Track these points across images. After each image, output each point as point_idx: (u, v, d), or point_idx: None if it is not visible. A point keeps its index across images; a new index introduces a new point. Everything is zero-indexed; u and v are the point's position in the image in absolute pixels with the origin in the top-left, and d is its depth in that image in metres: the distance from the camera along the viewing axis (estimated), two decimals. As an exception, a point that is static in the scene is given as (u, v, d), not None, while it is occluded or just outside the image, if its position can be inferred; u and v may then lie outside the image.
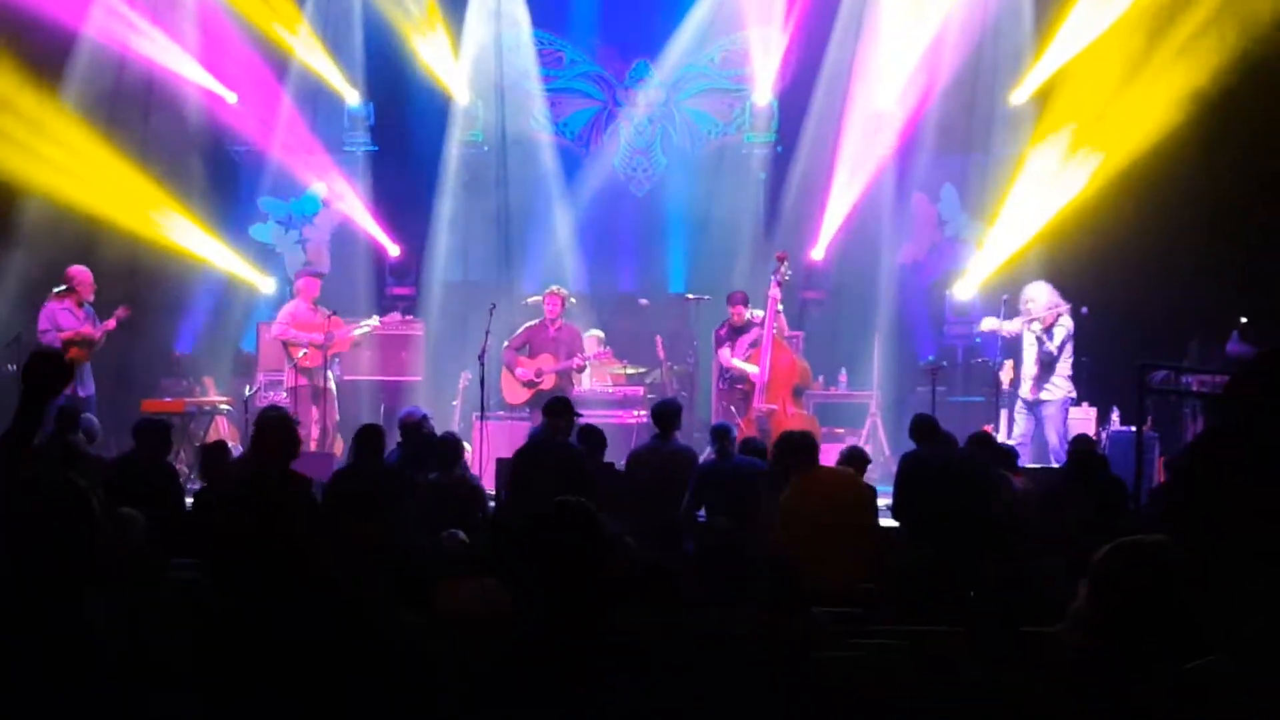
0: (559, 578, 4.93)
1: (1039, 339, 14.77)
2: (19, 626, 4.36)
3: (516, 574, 6.92)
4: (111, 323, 15.22)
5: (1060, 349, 14.81)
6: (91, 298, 15.22)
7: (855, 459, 11.00)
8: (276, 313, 16.99)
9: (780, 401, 15.07)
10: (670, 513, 10.59)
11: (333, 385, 16.14)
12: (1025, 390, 15.00)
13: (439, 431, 12.05)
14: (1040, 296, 14.98)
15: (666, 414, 11.72)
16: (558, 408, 11.47)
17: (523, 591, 6.28)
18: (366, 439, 10.69)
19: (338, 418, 15.89)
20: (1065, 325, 14.88)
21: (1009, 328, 15.15)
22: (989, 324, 15.44)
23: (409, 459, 11.36)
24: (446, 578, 7.18)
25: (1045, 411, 14.88)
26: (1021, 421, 15.01)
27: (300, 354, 15.78)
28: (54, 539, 4.49)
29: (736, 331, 15.52)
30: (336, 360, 16.30)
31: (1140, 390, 13.13)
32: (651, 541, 8.25)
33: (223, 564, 5.02)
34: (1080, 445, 11.70)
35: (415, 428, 11.86)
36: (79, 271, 15.17)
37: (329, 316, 16.01)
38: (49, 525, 4.50)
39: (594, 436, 11.54)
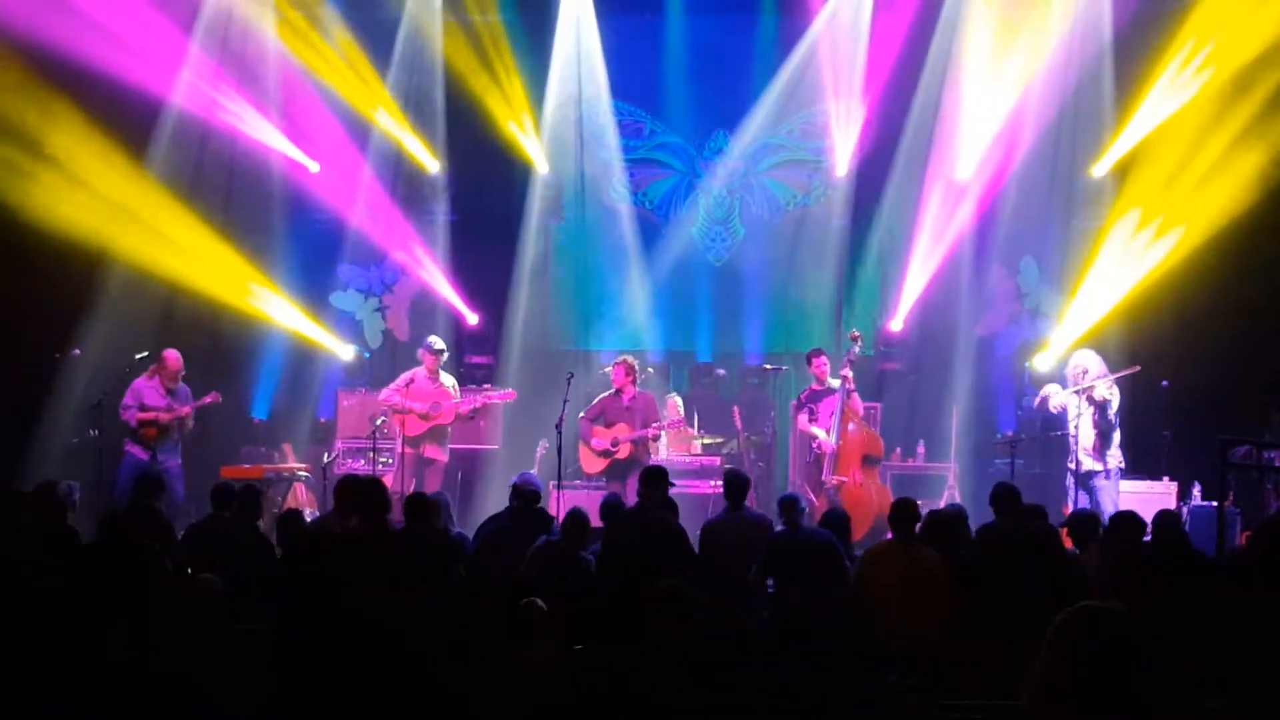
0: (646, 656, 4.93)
1: (1098, 406, 14.65)
2: (93, 684, 4.38)
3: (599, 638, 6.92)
4: (187, 409, 15.42)
5: (1115, 417, 14.72)
6: (175, 385, 15.42)
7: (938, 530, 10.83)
8: (351, 380, 17.24)
9: (850, 473, 15.07)
10: (741, 581, 10.57)
11: (444, 456, 16.28)
12: (1081, 461, 14.86)
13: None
14: (1092, 365, 14.89)
15: (737, 484, 11.66)
16: (653, 478, 11.47)
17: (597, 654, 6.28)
18: (415, 508, 10.82)
19: (436, 488, 15.82)
20: (1116, 393, 14.79)
21: (1056, 401, 15.08)
22: (1038, 398, 15.38)
23: (523, 524, 11.31)
24: (525, 643, 7.20)
25: (1099, 482, 14.74)
26: (1078, 495, 14.86)
27: (379, 420, 15.93)
28: (128, 601, 4.52)
29: (817, 396, 15.55)
30: (449, 431, 16.41)
31: (1222, 465, 13.00)
32: (727, 611, 8.21)
33: (296, 618, 5.05)
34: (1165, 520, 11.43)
35: (534, 497, 11.81)
36: (170, 356, 15.41)
37: (439, 384, 16.15)
38: (124, 588, 4.54)
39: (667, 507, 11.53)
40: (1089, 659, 3.98)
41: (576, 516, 10.98)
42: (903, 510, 10.40)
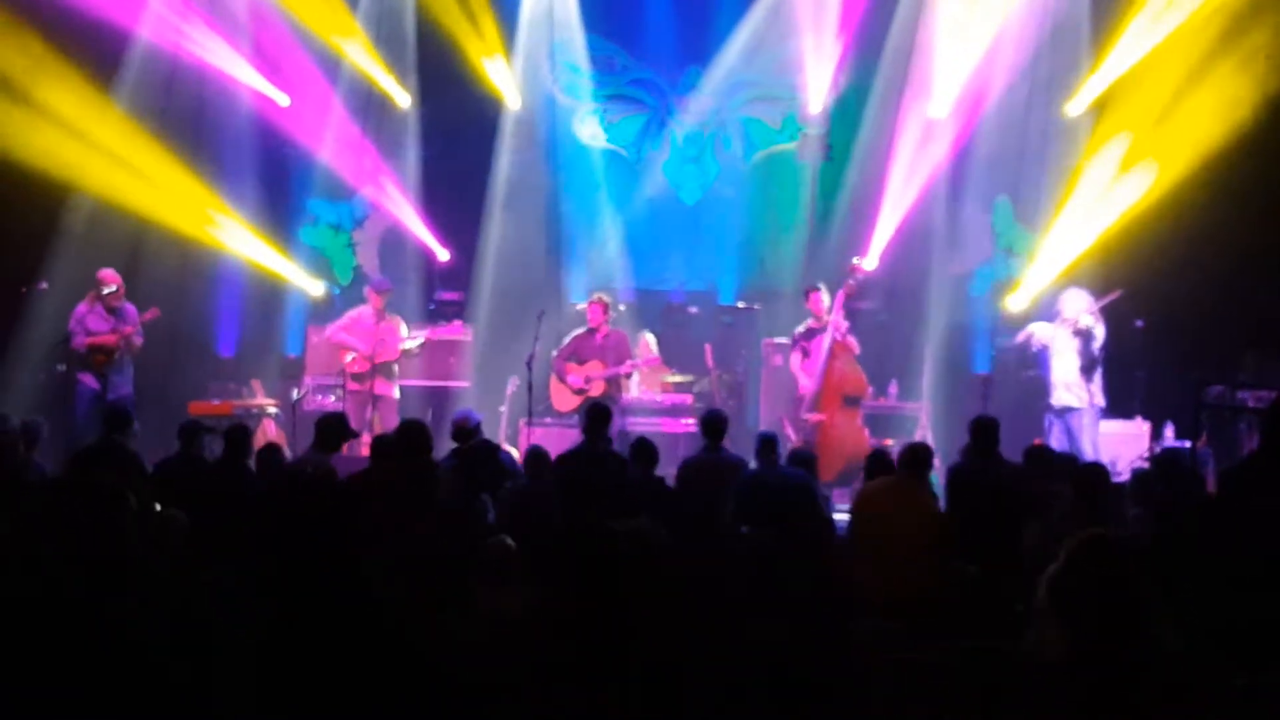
0: (603, 598, 4.88)
1: (1084, 337, 14.55)
2: (53, 620, 4.33)
3: (556, 580, 6.86)
4: (129, 328, 15.22)
5: (1100, 352, 14.63)
6: (116, 303, 15.25)
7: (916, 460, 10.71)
8: (321, 316, 17.16)
9: (830, 412, 14.97)
10: (716, 521, 10.47)
11: (394, 393, 16.13)
12: (1059, 397, 14.77)
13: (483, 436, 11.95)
14: (1078, 302, 14.80)
15: (716, 424, 11.56)
16: (602, 415, 11.38)
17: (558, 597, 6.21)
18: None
19: (396, 423, 15.67)
20: (1101, 328, 14.69)
21: (1040, 335, 14.98)
22: (1023, 334, 15.30)
23: (464, 466, 11.21)
24: (491, 582, 7.13)
25: (1081, 421, 14.63)
26: (1055, 433, 14.80)
27: (348, 358, 15.84)
28: (90, 536, 4.46)
29: (813, 334, 15.40)
30: (396, 368, 16.28)
31: (1196, 406, 12.97)
32: (701, 551, 8.17)
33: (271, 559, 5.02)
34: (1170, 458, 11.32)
35: (470, 433, 11.71)
36: (105, 275, 15.22)
37: (387, 322, 16.03)
38: (85, 523, 4.48)
39: (646, 450, 11.33)
40: (1092, 589, 3.98)
41: (537, 454, 10.98)
42: (918, 454, 10.23)
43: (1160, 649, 4.02)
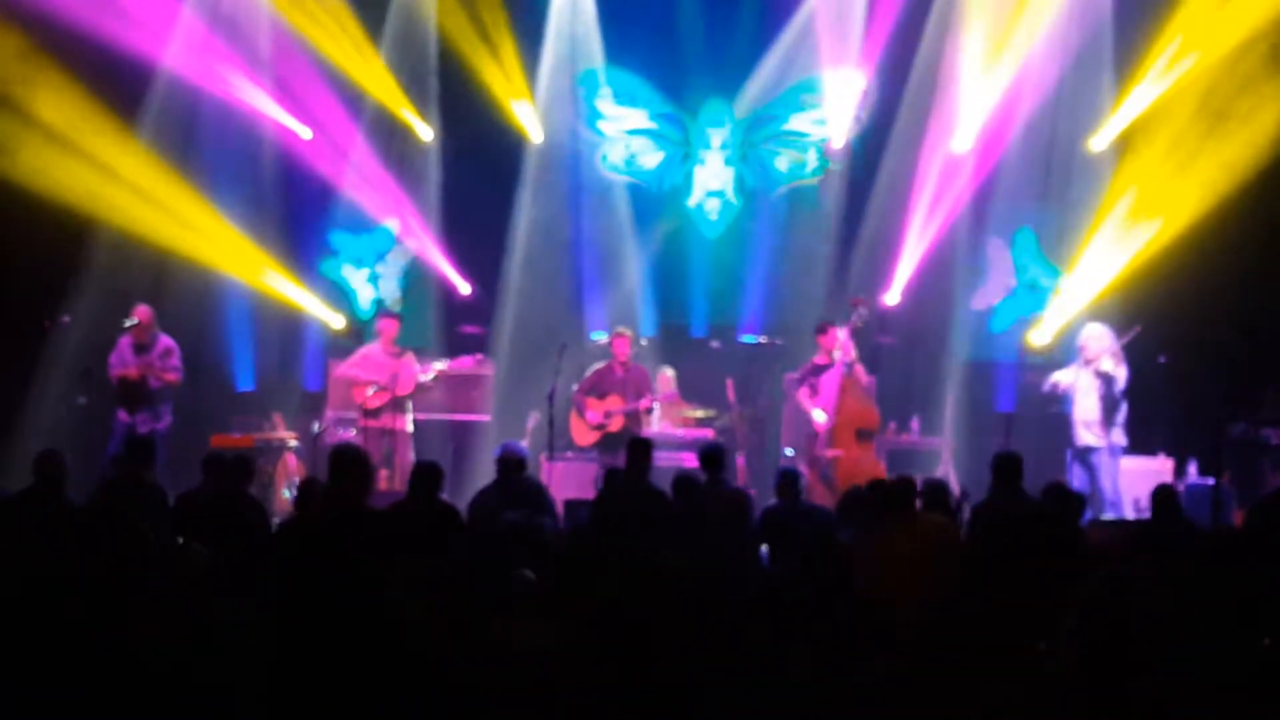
0: (635, 632, 4.86)
1: (1105, 379, 14.49)
2: (67, 651, 4.33)
3: (587, 613, 6.83)
4: (135, 367, 15.19)
5: (1122, 394, 14.57)
6: (143, 338, 15.22)
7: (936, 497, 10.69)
8: (342, 350, 17.10)
9: (845, 447, 14.87)
10: (723, 553, 10.42)
11: (408, 426, 16.09)
12: (1080, 436, 14.72)
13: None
14: (1101, 338, 14.75)
15: (715, 456, 11.55)
16: (643, 449, 11.39)
17: (587, 631, 6.18)
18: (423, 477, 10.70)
19: (411, 459, 15.66)
20: (1124, 370, 14.63)
21: (1065, 379, 14.94)
22: (1048, 385, 15.21)
23: (505, 497, 11.19)
24: (511, 615, 7.11)
25: (1099, 460, 14.57)
26: (1075, 472, 14.74)
27: (370, 392, 15.80)
28: (107, 568, 4.46)
29: (819, 370, 15.32)
30: (410, 402, 16.25)
31: (1218, 443, 12.91)
32: (707, 582, 8.12)
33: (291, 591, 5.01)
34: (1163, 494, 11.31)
35: (517, 465, 11.67)
36: (138, 311, 15.21)
37: (400, 357, 16.01)
38: (104, 555, 4.47)
39: (689, 486, 11.30)
40: (1116, 618, 4.00)
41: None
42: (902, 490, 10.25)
43: (1164, 677, 4.04)
